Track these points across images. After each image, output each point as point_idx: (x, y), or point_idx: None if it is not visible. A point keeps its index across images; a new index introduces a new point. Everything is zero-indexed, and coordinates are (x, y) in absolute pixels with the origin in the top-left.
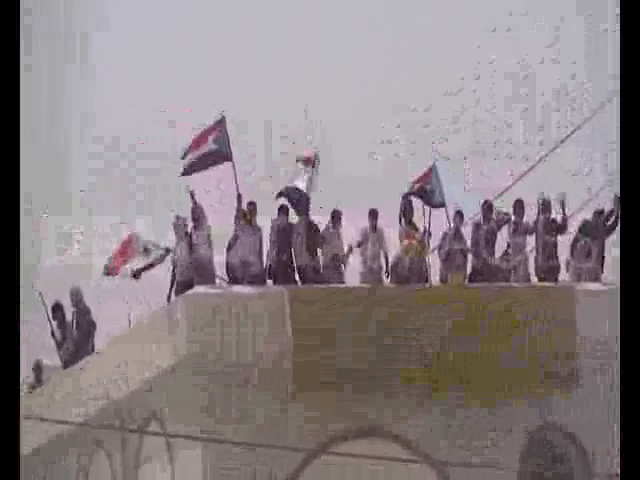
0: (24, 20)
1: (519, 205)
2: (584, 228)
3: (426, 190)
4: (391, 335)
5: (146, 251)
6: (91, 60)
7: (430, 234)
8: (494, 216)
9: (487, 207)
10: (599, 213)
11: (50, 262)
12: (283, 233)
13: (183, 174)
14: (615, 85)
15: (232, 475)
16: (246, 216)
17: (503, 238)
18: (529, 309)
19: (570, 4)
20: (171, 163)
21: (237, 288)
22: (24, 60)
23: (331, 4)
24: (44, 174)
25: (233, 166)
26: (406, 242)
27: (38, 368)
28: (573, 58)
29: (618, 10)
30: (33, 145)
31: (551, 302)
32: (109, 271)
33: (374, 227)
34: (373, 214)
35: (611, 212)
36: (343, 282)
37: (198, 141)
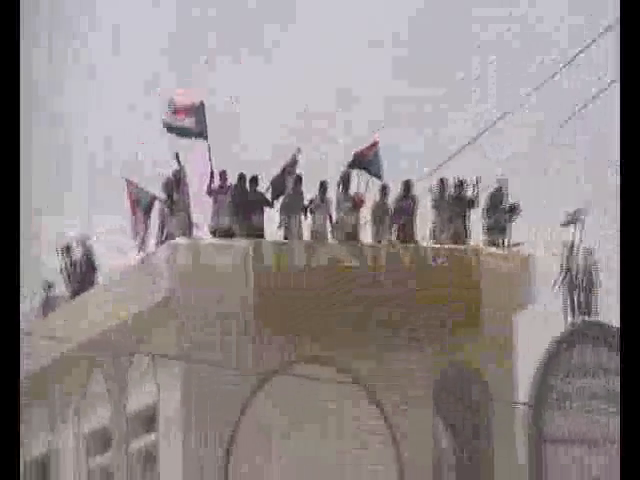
0: (24, 20)
1: (441, 182)
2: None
3: (369, 161)
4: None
5: (138, 201)
6: (91, 60)
7: (363, 201)
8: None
9: (405, 187)
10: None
11: (50, 262)
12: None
13: (164, 127)
14: (615, 86)
15: (203, 391)
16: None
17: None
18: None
19: (570, 4)
20: (171, 163)
21: (210, 240)
22: (24, 60)
23: (331, 4)
24: (44, 174)
25: (208, 146)
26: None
27: (48, 287)
28: (573, 58)
29: (618, 11)
30: (33, 145)
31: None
32: (141, 244)
33: (322, 199)
34: (323, 186)
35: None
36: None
37: (183, 111)
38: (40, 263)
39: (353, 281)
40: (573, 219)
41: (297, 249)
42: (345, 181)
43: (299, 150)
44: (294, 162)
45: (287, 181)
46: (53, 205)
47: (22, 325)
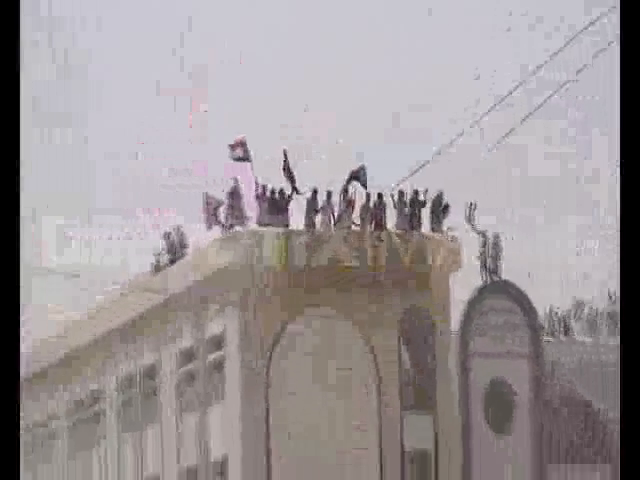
0: (24, 20)
1: (400, 193)
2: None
3: (359, 176)
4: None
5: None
6: (91, 61)
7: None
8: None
9: (378, 195)
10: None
11: (50, 262)
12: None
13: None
14: (616, 83)
15: (252, 325)
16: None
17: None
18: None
19: (571, 4)
20: (171, 163)
21: (255, 230)
22: (24, 59)
23: (331, 4)
24: (44, 174)
25: (251, 166)
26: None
27: (156, 255)
28: (574, 58)
29: (619, 10)
30: (33, 145)
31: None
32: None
33: (328, 202)
34: (328, 194)
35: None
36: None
37: (236, 144)
38: (40, 263)
39: (353, 281)
40: (468, 214)
41: (300, 244)
42: (344, 191)
43: (285, 151)
44: (287, 161)
45: (294, 176)
46: (53, 205)
47: (131, 280)
